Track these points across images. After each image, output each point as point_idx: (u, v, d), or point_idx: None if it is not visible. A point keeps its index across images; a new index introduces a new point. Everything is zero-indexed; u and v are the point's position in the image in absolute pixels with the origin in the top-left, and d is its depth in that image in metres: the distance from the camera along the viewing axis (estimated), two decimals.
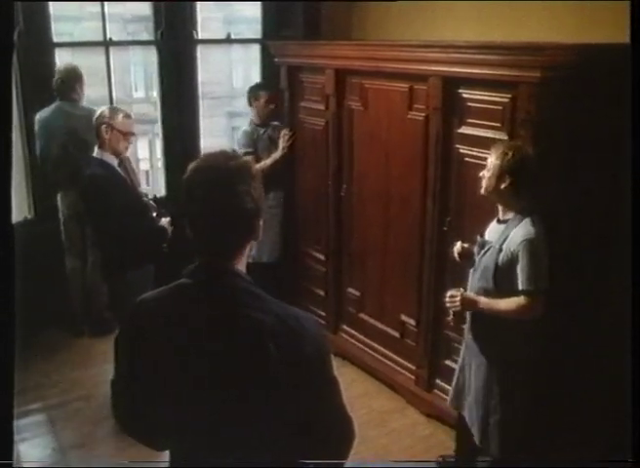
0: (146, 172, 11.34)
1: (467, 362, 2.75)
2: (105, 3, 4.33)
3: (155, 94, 5.11)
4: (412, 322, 3.60)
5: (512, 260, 2.48)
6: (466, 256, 2.74)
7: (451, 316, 2.69)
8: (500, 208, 2.62)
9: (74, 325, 4.41)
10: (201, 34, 4.63)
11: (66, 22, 8.27)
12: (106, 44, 4.38)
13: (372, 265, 3.85)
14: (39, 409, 3.60)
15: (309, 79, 4.06)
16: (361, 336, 4.02)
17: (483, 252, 2.60)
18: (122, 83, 11.20)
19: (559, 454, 2.79)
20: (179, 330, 1.39)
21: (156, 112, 4.78)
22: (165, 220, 3.41)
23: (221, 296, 1.39)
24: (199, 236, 1.41)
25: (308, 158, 4.19)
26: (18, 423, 3.29)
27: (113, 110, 3.24)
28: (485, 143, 2.83)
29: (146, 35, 5.06)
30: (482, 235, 2.66)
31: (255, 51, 4.95)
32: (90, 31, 5.61)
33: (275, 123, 4.42)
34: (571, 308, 2.83)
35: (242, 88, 4.57)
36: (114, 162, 3.22)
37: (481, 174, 2.60)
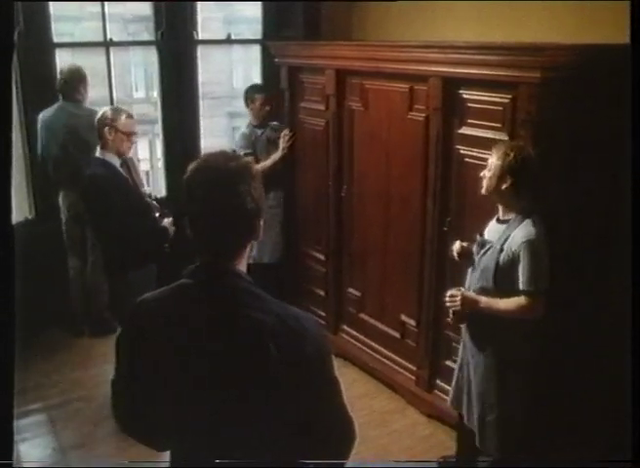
0: (147, 172, 11.34)
1: (466, 361, 2.75)
2: (106, 3, 4.33)
3: (155, 94, 5.10)
4: (412, 322, 3.60)
5: (513, 261, 2.48)
6: (465, 256, 2.74)
7: (450, 315, 2.70)
8: (500, 207, 2.62)
9: (74, 325, 4.41)
10: (201, 34, 4.63)
11: (66, 22, 8.27)
12: (107, 44, 4.38)
13: (372, 265, 3.85)
14: (39, 410, 3.60)
15: (310, 79, 4.06)
16: (361, 337, 4.02)
17: (483, 251, 2.60)
18: (122, 83, 11.19)
19: (559, 454, 2.79)
20: (179, 330, 1.39)
21: (156, 112, 4.78)
22: (167, 221, 3.41)
23: (222, 297, 1.39)
24: (199, 236, 1.41)
25: (309, 158, 4.19)
26: (18, 423, 3.29)
27: (116, 111, 3.23)
28: (485, 144, 2.83)
29: (147, 35, 5.07)
30: (481, 234, 2.67)
31: (255, 51, 4.95)
32: (90, 31, 5.61)
33: (274, 123, 4.43)
34: (571, 308, 2.83)
35: (242, 88, 4.57)
36: (116, 162, 3.22)
37: (482, 174, 2.60)
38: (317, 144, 4.07)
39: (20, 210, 4.17)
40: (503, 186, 2.51)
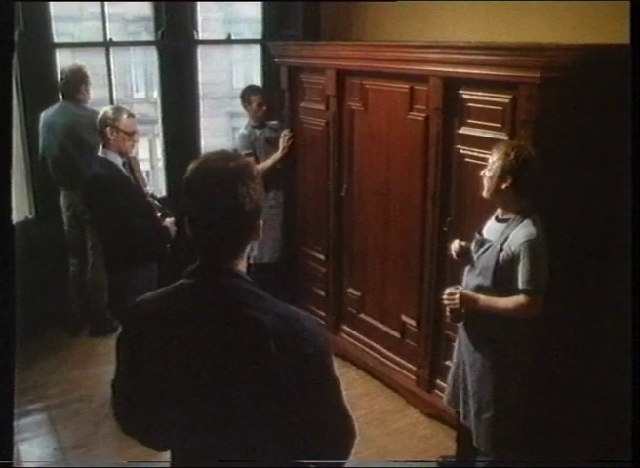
0: (147, 172, 11.35)
1: (462, 359, 2.76)
2: (106, 3, 4.33)
3: (156, 94, 5.11)
4: (412, 322, 3.60)
5: (513, 260, 2.48)
6: (464, 255, 2.75)
7: (448, 313, 2.70)
8: (499, 207, 2.62)
9: (74, 325, 4.41)
10: (201, 34, 4.63)
11: (67, 22, 8.28)
12: (107, 44, 4.38)
13: (372, 265, 3.85)
14: (39, 409, 3.60)
15: (310, 79, 4.06)
16: (361, 337, 4.02)
17: (482, 250, 2.60)
18: (122, 83, 11.21)
19: (559, 454, 2.80)
20: (179, 330, 1.39)
21: (157, 112, 4.78)
22: (169, 220, 3.42)
23: (222, 296, 1.39)
24: (199, 236, 1.41)
25: (309, 158, 4.19)
26: (18, 423, 3.29)
27: (117, 111, 3.24)
28: (485, 144, 2.83)
29: (147, 35, 5.07)
30: (480, 233, 2.67)
31: (255, 51, 4.96)
32: (90, 31, 5.62)
33: (273, 122, 4.44)
34: (570, 308, 2.83)
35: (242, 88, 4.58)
36: (118, 161, 3.23)
37: (482, 173, 2.60)
38: (317, 144, 4.07)
39: (20, 210, 4.17)
40: (503, 186, 2.51)
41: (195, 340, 1.37)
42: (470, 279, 2.66)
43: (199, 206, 1.38)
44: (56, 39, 4.21)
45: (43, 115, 4.12)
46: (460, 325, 2.72)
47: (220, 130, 9.72)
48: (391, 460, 3.13)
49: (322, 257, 4.23)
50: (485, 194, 2.60)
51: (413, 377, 3.63)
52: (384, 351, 3.85)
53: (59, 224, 4.27)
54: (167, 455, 1.54)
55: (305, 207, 4.33)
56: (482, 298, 2.56)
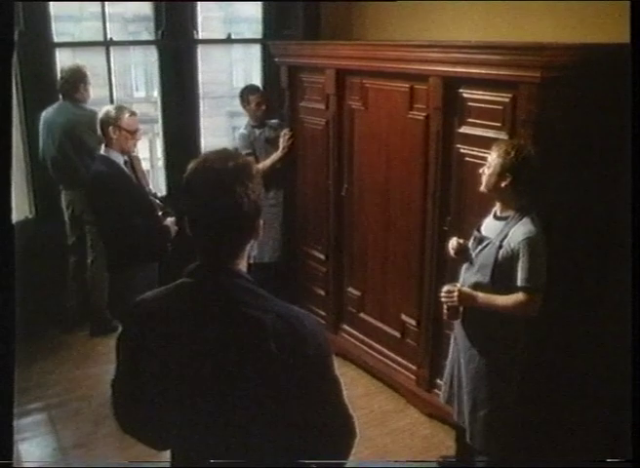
0: (147, 171, 11.34)
1: (457, 357, 2.76)
2: (106, 3, 4.33)
3: (156, 93, 5.11)
4: (412, 322, 3.60)
5: (512, 257, 2.49)
6: (462, 252, 2.75)
7: (445, 311, 2.70)
8: (497, 204, 2.62)
9: (74, 324, 4.41)
10: (201, 34, 4.63)
11: (67, 22, 8.28)
12: (107, 44, 4.38)
13: (372, 265, 3.85)
14: (40, 409, 3.60)
15: (310, 79, 4.06)
16: (361, 336, 4.02)
17: (481, 247, 2.61)
18: (123, 83, 11.20)
19: (559, 454, 2.80)
20: (179, 329, 1.39)
21: (157, 112, 4.78)
22: (170, 220, 3.42)
23: (222, 296, 1.39)
24: (199, 235, 1.41)
25: (309, 158, 4.19)
26: (18, 423, 3.29)
27: (119, 110, 3.25)
28: (485, 143, 2.83)
29: (147, 35, 5.07)
30: (479, 230, 2.67)
31: (255, 51, 4.95)
32: (90, 31, 5.62)
33: (273, 121, 4.44)
34: (568, 306, 2.83)
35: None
36: (120, 160, 3.24)
37: (481, 170, 2.60)
38: (317, 144, 4.07)
39: (20, 209, 4.17)
40: (503, 184, 2.52)
41: (195, 339, 1.37)
42: (468, 276, 2.66)
43: (198, 205, 1.38)
44: (56, 39, 4.22)
45: (43, 115, 4.12)
46: (457, 322, 2.72)
47: (220, 129, 9.71)
48: (391, 460, 3.13)
49: (322, 257, 4.23)
50: (483, 188, 2.60)
51: (413, 377, 3.64)
52: (384, 351, 3.85)
53: (59, 224, 4.28)
54: (167, 455, 1.54)
55: (305, 206, 4.33)
56: (481, 296, 2.57)
